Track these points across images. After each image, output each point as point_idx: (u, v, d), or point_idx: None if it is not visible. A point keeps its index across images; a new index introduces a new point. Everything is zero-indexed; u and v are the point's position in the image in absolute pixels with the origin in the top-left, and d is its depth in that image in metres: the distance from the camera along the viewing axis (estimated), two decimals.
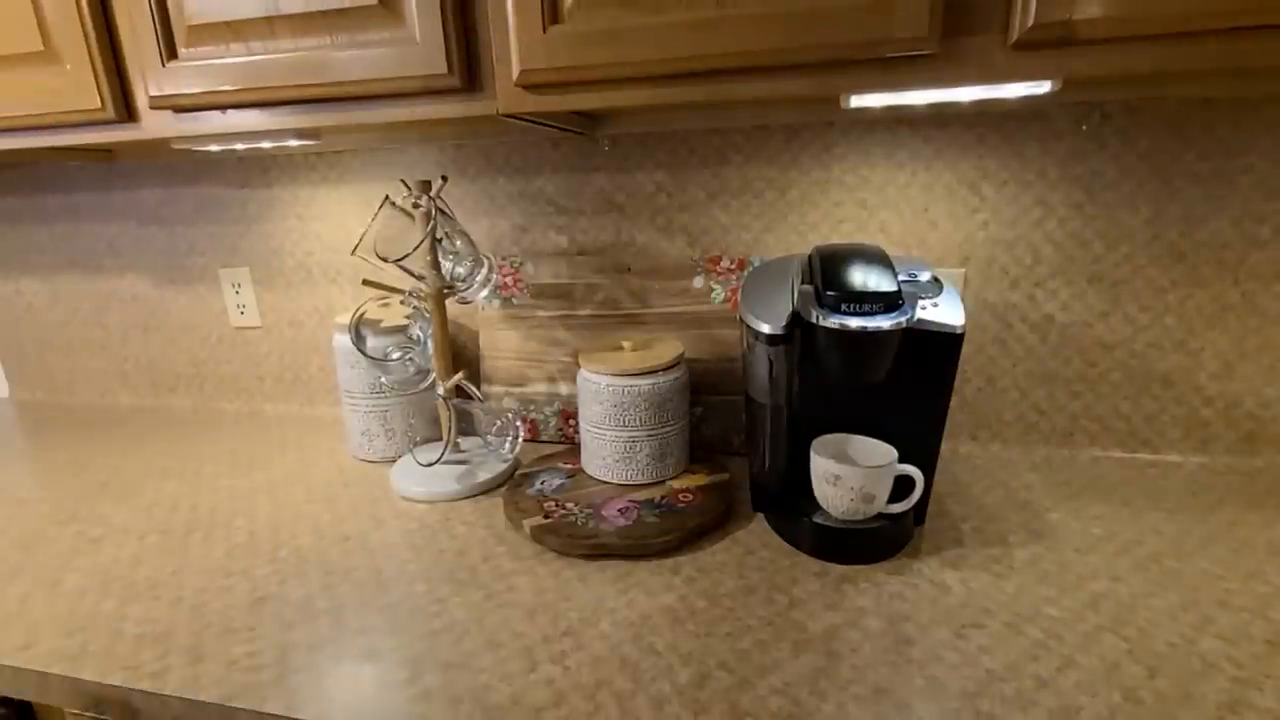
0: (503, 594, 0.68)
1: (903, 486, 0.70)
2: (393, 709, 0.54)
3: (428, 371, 0.91)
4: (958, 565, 0.70)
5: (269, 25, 0.69)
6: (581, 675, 0.56)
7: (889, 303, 0.65)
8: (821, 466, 0.71)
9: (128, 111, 0.78)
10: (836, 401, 0.74)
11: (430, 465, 0.93)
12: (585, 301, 1.01)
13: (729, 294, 0.95)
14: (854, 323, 0.65)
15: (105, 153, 1.11)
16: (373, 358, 0.88)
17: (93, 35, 0.74)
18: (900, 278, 0.68)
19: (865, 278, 0.66)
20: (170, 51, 0.73)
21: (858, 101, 0.69)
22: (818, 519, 0.73)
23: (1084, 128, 0.84)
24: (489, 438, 0.96)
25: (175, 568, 0.75)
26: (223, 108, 0.75)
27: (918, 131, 0.88)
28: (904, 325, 0.65)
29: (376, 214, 0.82)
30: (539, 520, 0.77)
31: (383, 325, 0.90)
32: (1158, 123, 0.82)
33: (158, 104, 0.75)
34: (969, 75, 0.57)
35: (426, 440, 1.03)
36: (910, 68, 0.58)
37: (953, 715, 0.51)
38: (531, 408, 1.05)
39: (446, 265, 0.89)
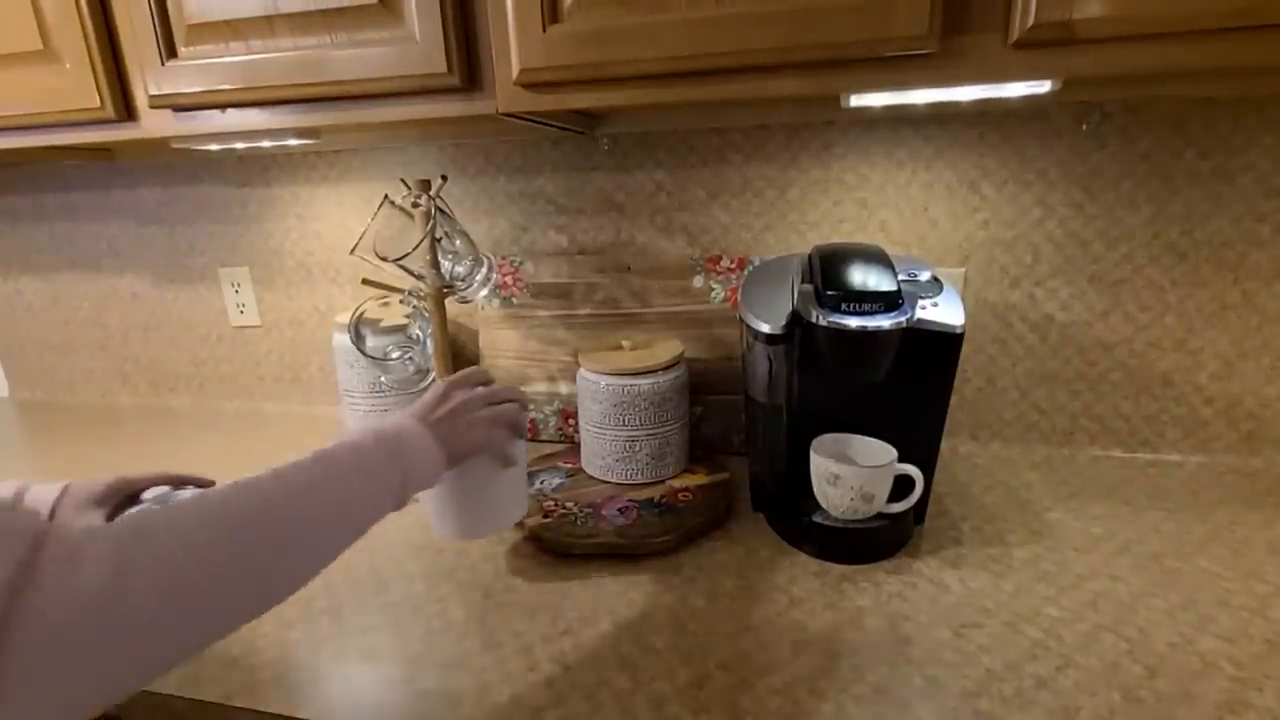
0: (502, 593, 0.68)
1: (902, 486, 0.70)
2: (393, 709, 0.54)
3: (427, 371, 0.91)
4: (957, 565, 0.69)
5: (269, 24, 0.69)
6: (581, 675, 0.56)
7: (889, 302, 0.65)
8: (821, 466, 0.71)
9: (127, 110, 0.78)
10: (836, 401, 0.74)
11: None
12: (585, 301, 1.01)
13: (729, 293, 0.95)
14: (854, 322, 0.65)
15: (105, 152, 1.11)
16: (372, 357, 0.88)
17: (92, 34, 0.74)
18: (900, 277, 0.68)
19: (865, 277, 0.66)
20: (170, 50, 0.73)
21: (858, 101, 0.69)
22: (818, 519, 0.73)
23: (1084, 127, 0.84)
24: None
25: None
26: (222, 107, 0.75)
27: (918, 130, 0.88)
28: (904, 325, 0.65)
29: (376, 213, 0.82)
30: (539, 519, 0.77)
31: (382, 324, 0.90)
32: (1158, 121, 0.82)
33: (157, 103, 0.75)
34: (969, 74, 0.57)
35: None
36: (910, 67, 0.58)
37: (952, 715, 0.51)
38: (531, 407, 1.05)
39: (446, 265, 0.89)
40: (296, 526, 0.41)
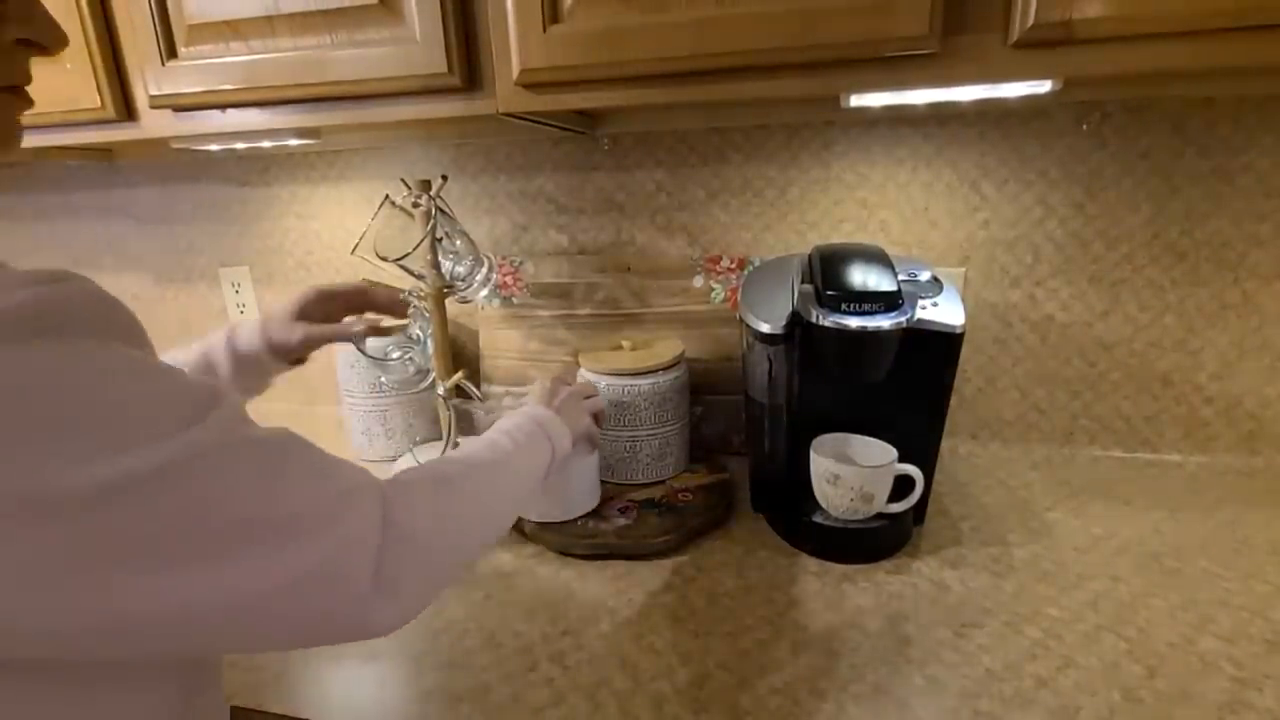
0: (502, 593, 0.68)
1: (902, 486, 0.70)
2: (393, 709, 0.54)
3: (427, 371, 0.91)
4: (957, 565, 0.69)
5: (269, 24, 0.69)
6: (581, 675, 0.56)
7: (889, 302, 0.65)
8: (821, 466, 0.71)
9: (127, 110, 0.78)
10: (836, 401, 0.74)
11: None
12: (585, 301, 1.01)
13: (729, 293, 0.95)
14: (854, 322, 0.65)
15: (105, 151, 1.11)
16: (373, 357, 0.87)
17: (93, 34, 0.74)
18: (900, 277, 0.68)
19: (865, 277, 0.66)
20: (170, 50, 0.73)
21: (858, 101, 0.69)
22: (818, 519, 0.73)
23: (1085, 126, 0.84)
24: None
25: None
26: (222, 107, 0.75)
27: (918, 129, 0.88)
28: (904, 325, 0.65)
29: (376, 213, 0.82)
30: (539, 519, 0.77)
31: (383, 325, 0.90)
32: (1158, 121, 0.82)
33: (157, 103, 0.75)
34: (969, 74, 0.57)
35: (426, 440, 1.03)
36: (911, 67, 0.58)
37: (952, 714, 0.51)
38: None
39: (446, 265, 0.88)
40: (511, 484, 0.55)
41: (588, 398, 0.72)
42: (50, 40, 0.38)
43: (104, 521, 0.28)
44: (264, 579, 0.32)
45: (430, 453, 0.96)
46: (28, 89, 0.39)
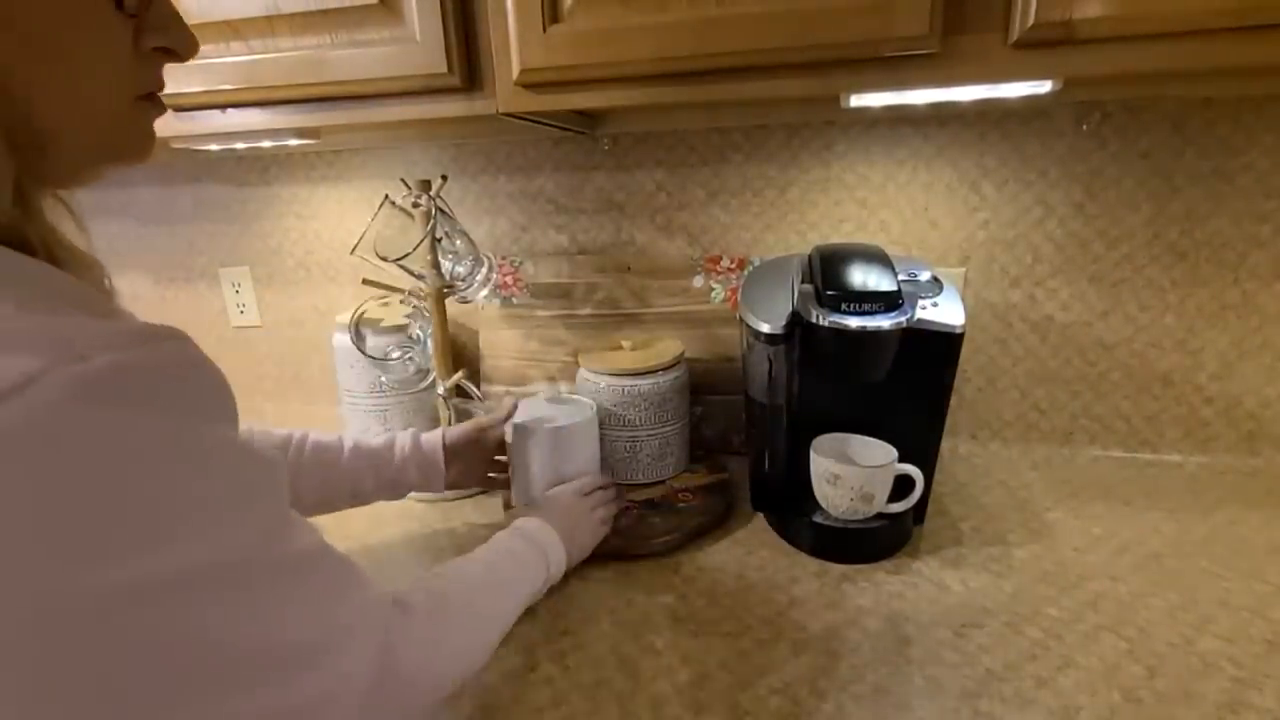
0: None
1: (902, 486, 0.70)
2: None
3: (428, 371, 0.91)
4: (957, 565, 0.69)
5: (269, 24, 0.69)
6: (581, 675, 0.56)
7: (889, 302, 0.65)
8: (821, 466, 0.71)
9: None
10: (836, 401, 0.74)
11: None
12: (585, 301, 1.01)
13: (729, 293, 0.95)
14: (854, 322, 0.65)
15: None
16: (373, 357, 0.88)
17: None
18: (900, 277, 0.68)
19: (865, 277, 0.66)
20: None
21: (858, 101, 0.69)
22: (817, 518, 0.73)
23: (1085, 127, 0.84)
24: None
25: None
26: (222, 107, 0.75)
27: (918, 129, 0.88)
28: (904, 325, 0.65)
29: (376, 213, 0.82)
30: None
31: (383, 324, 0.90)
32: (1158, 121, 0.82)
33: None
34: (969, 74, 0.57)
35: None
36: (911, 67, 0.58)
37: (952, 715, 0.51)
38: None
39: (446, 265, 0.89)
40: (504, 611, 0.57)
41: (594, 492, 0.74)
42: (185, 47, 0.39)
43: (103, 634, 0.26)
44: (254, 714, 0.31)
45: None
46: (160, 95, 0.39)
